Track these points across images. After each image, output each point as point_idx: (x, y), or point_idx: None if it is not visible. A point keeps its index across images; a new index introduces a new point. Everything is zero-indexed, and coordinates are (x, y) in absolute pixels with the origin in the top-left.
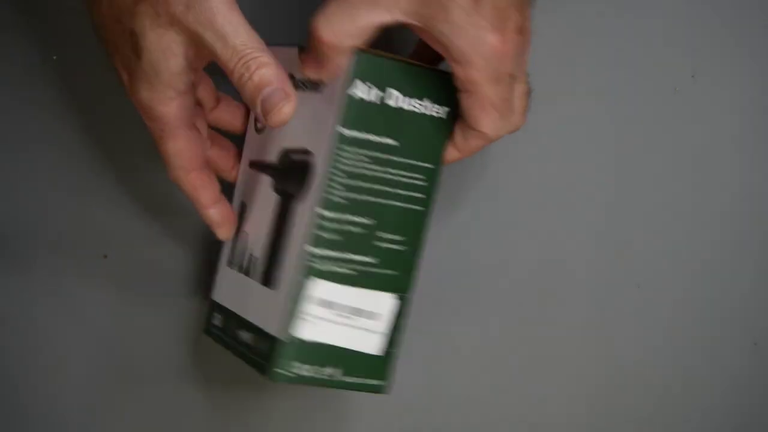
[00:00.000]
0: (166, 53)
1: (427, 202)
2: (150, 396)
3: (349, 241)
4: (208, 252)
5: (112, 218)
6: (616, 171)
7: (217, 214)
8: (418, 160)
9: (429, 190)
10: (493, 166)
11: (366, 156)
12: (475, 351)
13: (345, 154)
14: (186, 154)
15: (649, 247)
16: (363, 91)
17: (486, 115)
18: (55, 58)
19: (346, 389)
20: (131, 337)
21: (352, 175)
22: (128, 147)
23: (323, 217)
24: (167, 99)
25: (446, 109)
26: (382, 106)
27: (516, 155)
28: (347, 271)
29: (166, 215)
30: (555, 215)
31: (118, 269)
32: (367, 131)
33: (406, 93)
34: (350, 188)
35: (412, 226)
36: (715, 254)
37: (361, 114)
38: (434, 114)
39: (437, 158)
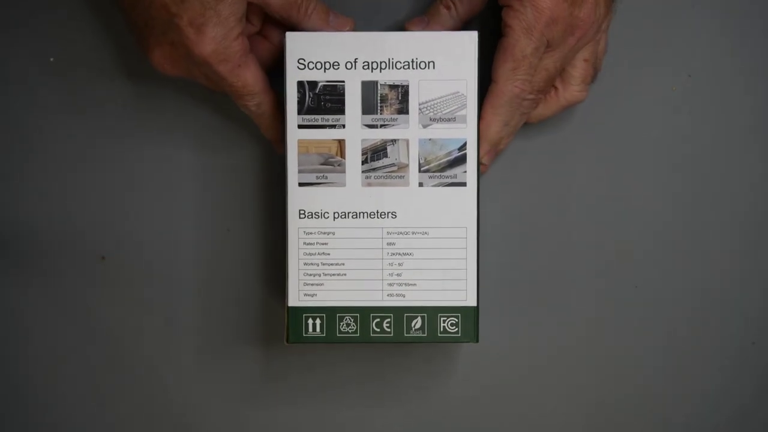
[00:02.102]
0: None
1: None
2: (149, 397)
3: None
4: (207, 253)
5: (110, 220)
6: (614, 170)
7: None
8: None
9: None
10: (491, 166)
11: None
12: (471, 352)
13: None
14: (262, 75)
15: (646, 248)
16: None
17: (502, 62)
18: (52, 60)
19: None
20: (129, 339)
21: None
22: (127, 147)
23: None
24: (237, 34)
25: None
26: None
27: (514, 155)
28: None
29: (165, 216)
30: (552, 215)
31: (116, 271)
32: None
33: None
34: None
35: None
36: (713, 254)
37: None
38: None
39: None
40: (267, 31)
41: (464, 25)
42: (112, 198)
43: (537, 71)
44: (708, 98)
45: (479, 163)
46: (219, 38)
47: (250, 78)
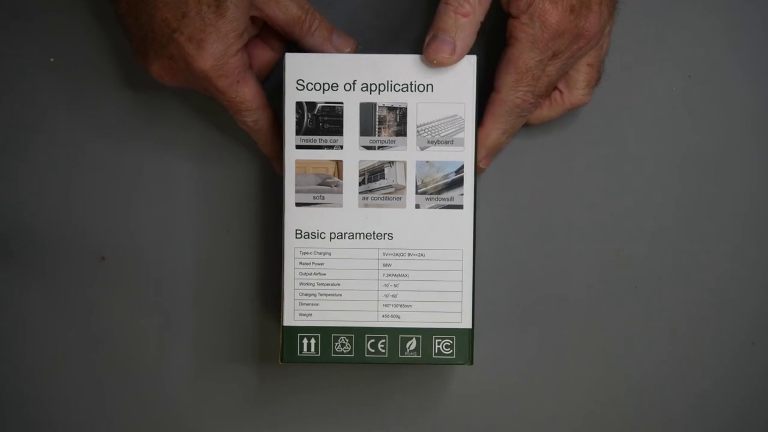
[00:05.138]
0: (244, 11)
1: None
2: (147, 397)
3: None
4: (206, 253)
5: (109, 220)
6: (614, 170)
7: None
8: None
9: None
10: (490, 166)
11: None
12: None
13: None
14: (260, 91)
15: (646, 248)
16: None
17: (505, 73)
18: (52, 60)
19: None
20: (127, 339)
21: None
22: (127, 148)
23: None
24: (236, 50)
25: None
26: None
27: (514, 156)
28: None
29: (164, 217)
30: (552, 216)
31: (115, 271)
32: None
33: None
34: None
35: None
36: (713, 254)
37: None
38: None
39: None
40: (267, 38)
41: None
42: (112, 199)
43: (539, 79)
44: (708, 98)
45: (476, 167)
46: (218, 54)
47: (248, 94)
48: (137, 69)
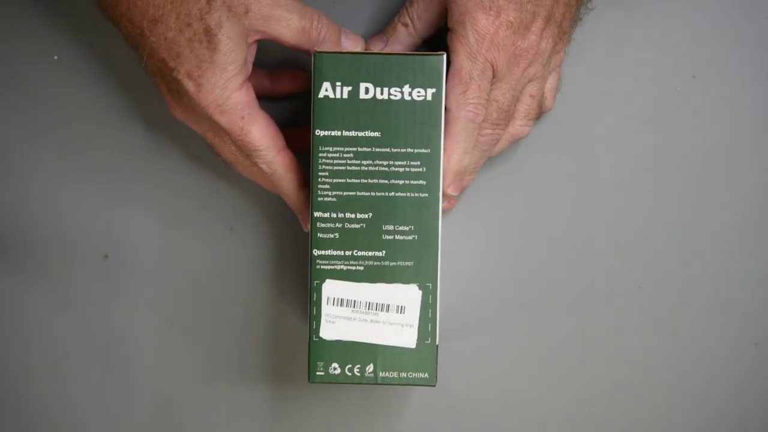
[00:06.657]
0: (239, 40)
1: (430, 188)
2: (148, 398)
3: (350, 238)
4: (210, 252)
5: (112, 218)
6: (617, 170)
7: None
8: (409, 147)
9: (429, 176)
10: (491, 165)
11: (347, 152)
12: (477, 352)
13: (323, 154)
14: (271, 132)
15: (649, 248)
16: (331, 91)
17: (452, 86)
18: (56, 58)
19: (390, 384)
20: (132, 338)
21: (336, 174)
22: (128, 147)
23: (316, 219)
24: (239, 84)
25: (431, 90)
26: (356, 101)
27: (516, 155)
28: (356, 268)
29: (166, 215)
30: (555, 215)
31: (119, 270)
32: (344, 129)
33: (379, 83)
34: (337, 186)
35: (419, 214)
36: (716, 254)
37: (334, 113)
38: (417, 98)
39: (432, 142)
40: None
41: (423, 43)
42: (115, 197)
43: (488, 102)
44: (712, 99)
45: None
46: (218, 89)
47: (255, 132)
48: (137, 68)
